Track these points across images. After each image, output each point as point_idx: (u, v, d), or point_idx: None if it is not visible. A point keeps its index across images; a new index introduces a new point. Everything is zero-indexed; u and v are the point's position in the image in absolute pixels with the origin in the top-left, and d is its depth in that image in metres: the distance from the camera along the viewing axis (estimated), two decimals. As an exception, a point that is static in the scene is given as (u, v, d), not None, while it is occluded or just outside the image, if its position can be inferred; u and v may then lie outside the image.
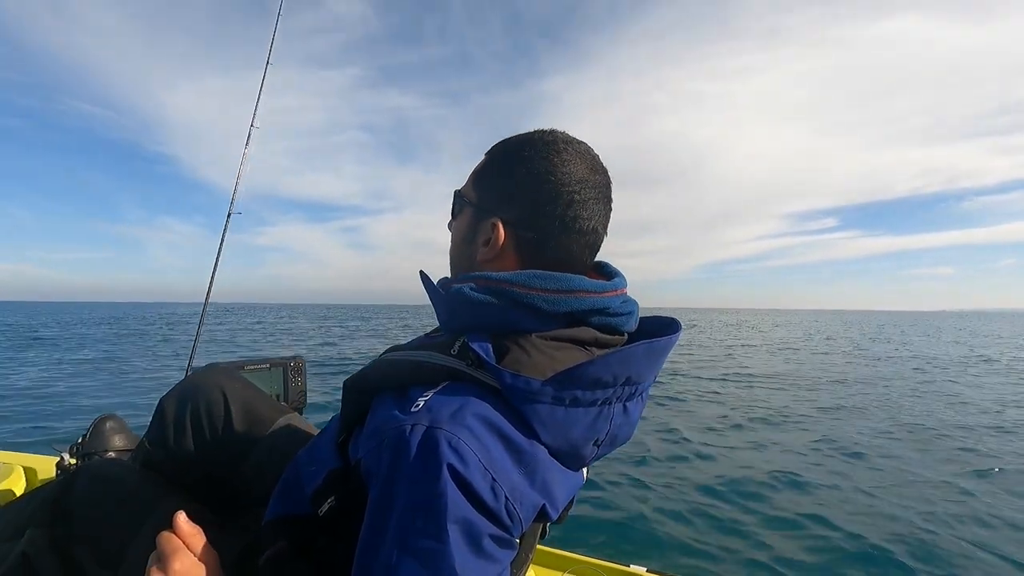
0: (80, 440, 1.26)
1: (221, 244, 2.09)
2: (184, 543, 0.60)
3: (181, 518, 0.60)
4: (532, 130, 0.70)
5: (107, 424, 1.27)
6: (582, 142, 0.69)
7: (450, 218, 0.76)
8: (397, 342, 0.80)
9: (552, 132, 0.69)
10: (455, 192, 0.75)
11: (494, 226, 0.67)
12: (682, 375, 9.34)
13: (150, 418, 0.99)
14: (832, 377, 9.65)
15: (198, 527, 0.61)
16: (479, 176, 0.71)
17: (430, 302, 0.70)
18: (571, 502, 0.74)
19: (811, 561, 2.61)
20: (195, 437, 0.96)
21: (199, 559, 0.60)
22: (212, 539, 0.63)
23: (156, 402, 0.99)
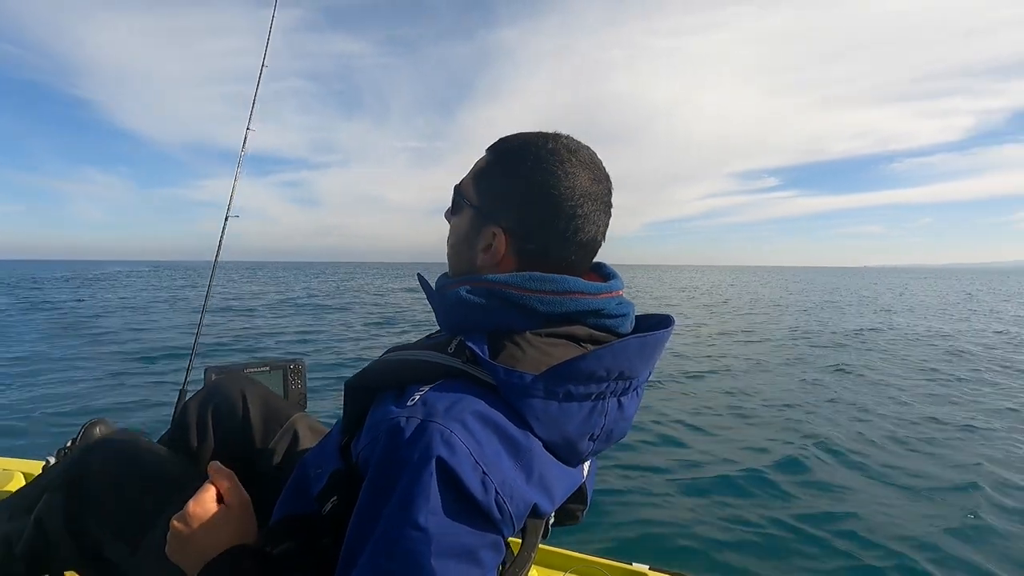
0: (68, 444, 1.25)
1: (219, 247, 2.13)
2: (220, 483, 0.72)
3: (215, 464, 0.74)
4: (536, 132, 0.70)
5: (97, 429, 1.26)
6: (585, 148, 0.69)
7: (449, 210, 0.76)
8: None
9: (556, 138, 0.69)
10: (455, 188, 0.75)
11: (495, 235, 0.67)
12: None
13: (163, 422, 1.03)
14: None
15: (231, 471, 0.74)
16: (480, 177, 0.71)
17: (427, 299, 0.73)
18: (586, 502, 0.77)
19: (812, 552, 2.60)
20: (216, 436, 1.02)
21: (237, 491, 0.72)
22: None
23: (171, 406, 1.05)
